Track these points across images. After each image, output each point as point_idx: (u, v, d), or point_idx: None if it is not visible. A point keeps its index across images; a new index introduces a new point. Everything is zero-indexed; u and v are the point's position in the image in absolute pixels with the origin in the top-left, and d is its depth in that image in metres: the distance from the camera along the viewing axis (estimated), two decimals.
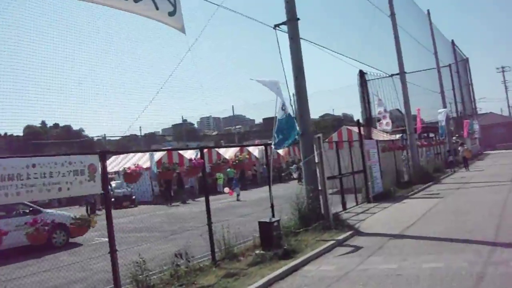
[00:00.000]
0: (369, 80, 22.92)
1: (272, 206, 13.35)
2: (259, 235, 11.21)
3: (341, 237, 12.27)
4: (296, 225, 13.71)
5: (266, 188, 13.50)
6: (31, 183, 7.02)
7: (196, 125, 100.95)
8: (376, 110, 21.99)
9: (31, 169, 7.05)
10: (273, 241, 10.76)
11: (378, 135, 23.95)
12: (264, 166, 39.71)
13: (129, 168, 9.41)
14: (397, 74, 24.92)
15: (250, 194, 29.80)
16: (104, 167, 8.27)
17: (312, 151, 14.34)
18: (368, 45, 22.06)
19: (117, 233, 17.68)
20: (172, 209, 26.57)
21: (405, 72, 25.81)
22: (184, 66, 9.88)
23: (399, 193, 21.41)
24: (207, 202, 11.03)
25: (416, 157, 26.73)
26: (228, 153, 40.50)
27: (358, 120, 19.99)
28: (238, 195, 28.65)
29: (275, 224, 11.05)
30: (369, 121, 21.44)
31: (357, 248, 11.10)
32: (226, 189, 27.53)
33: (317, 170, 14.38)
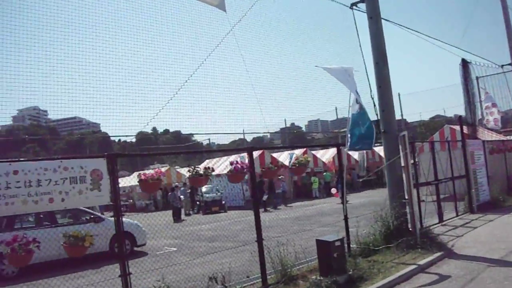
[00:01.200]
0: (480, 77, 19.75)
1: (346, 219, 11.28)
2: (317, 256, 9.20)
3: (426, 260, 9.85)
4: (376, 241, 11.52)
5: (365, 193, 11.54)
6: (12, 193, 5.74)
7: (304, 128, 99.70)
8: (483, 106, 18.84)
9: (12, 176, 5.76)
10: (333, 265, 8.70)
11: (485, 134, 20.62)
12: (364, 170, 37.04)
13: (144, 174, 7.88)
14: (509, 64, 21.30)
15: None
16: (113, 172, 6.87)
17: (396, 152, 12.00)
18: (472, 29, 18.99)
19: (191, 241, 16.74)
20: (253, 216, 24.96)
21: None
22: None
23: (509, 202, 18.04)
24: (257, 214, 9.24)
25: None
26: (326, 155, 38.35)
27: (460, 117, 17.05)
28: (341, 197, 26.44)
29: (337, 244, 8.94)
30: (474, 118, 18.34)
31: (442, 278, 8.62)
32: (333, 190, 25.84)
33: (403, 175, 12.02)
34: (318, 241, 9.19)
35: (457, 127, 19.32)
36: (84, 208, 16.59)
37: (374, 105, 12.45)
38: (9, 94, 6.56)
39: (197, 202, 31.19)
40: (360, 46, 12.87)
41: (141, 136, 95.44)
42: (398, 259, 10.18)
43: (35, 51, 6.89)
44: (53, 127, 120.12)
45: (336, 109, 62.73)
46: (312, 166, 34.86)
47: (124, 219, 16.76)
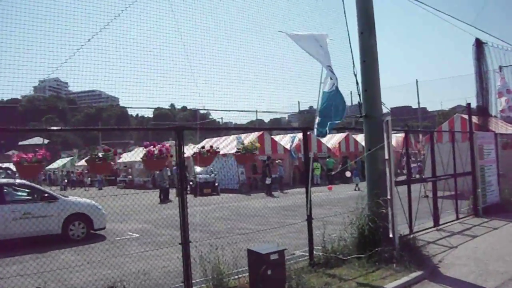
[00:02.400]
0: (504, 67, 17.00)
1: (309, 220, 9.02)
2: (248, 271, 6.95)
3: (396, 283, 7.48)
4: (347, 248, 9.27)
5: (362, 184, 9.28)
6: None
7: None
8: (496, 93, 16.07)
9: None
10: (266, 284, 6.43)
11: (500, 126, 17.93)
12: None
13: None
14: None
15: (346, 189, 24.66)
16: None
17: (380, 142, 9.60)
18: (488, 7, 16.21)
19: (159, 228, 14.83)
20: (248, 201, 22.70)
21: None
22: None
23: None
24: (183, 207, 6.96)
25: None
26: (332, 140, 35.85)
27: (468, 105, 14.43)
28: (357, 184, 25.34)
29: (273, 257, 6.66)
30: (486, 107, 15.62)
31: None
32: (348, 173, 23.38)
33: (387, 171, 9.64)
34: (250, 252, 6.95)
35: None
36: (36, 186, 14.82)
37: (357, 84, 10.01)
38: (32, 64, 6.25)
39: (190, 183, 29.10)
40: (344, 13, 10.41)
41: (159, 112, 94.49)
42: (364, 276, 7.86)
43: (58, 22, 6.56)
44: (73, 99, 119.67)
45: (351, 93, 60.23)
46: (316, 151, 32.40)
47: (82, 199, 15.10)
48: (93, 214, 14.36)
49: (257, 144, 9.22)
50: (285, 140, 33.56)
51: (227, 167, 29.50)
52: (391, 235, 9.24)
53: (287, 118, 76.03)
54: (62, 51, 6.58)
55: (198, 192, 26.30)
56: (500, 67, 17.34)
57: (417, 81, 52.52)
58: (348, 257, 8.88)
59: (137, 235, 14.36)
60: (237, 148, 9.22)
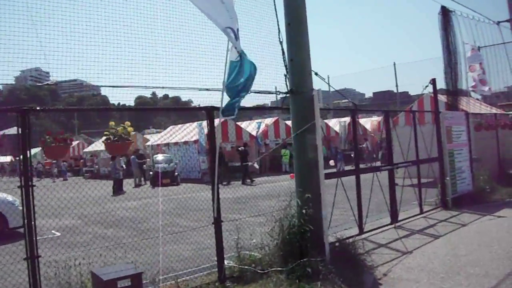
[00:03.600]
0: (483, 47, 14.73)
1: (216, 223, 6.84)
2: None
3: None
4: (268, 257, 7.10)
5: None
6: None
7: None
8: (466, 67, 13.71)
9: None
10: None
11: (472, 105, 15.76)
12: (346, 145, 32.28)
13: None
14: (507, 20, 15.89)
15: None
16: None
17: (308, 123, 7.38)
18: None
19: (88, 225, 12.73)
20: (204, 192, 20.40)
21: None
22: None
23: (499, 194, 13.30)
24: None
25: None
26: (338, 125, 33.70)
27: (434, 80, 12.17)
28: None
29: (124, 285, 4.47)
30: (455, 83, 13.31)
31: None
32: (331, 162, 22.07)
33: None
34: (93, 276, 4.77)
35: (443, 97, 14.47)
36: None
37: (283, 53, 7.73)
38: (14, 55, 5.55)
39: (150, 173, 26.75)
40: None
41: (140, 100, 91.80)
42: None
43: (40, 10, 5.77)
44: (54, 89, 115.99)
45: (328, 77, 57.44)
46: (285, 137, 30.16)
47: None
48: (8, 211, 12.23)
49: (130, 129, 6.92)
50: (252, 127, 31.28)
51: (188, 155, 27.28)
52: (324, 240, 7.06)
53: (269, 104, 73.57)
54: (45, 40, 5.83)
55: (158, 182, 24.03)
56: (479, 48, 15.17)
57: (394, 64, 49.74)
58: (268, 270, 6.70)
59: (58, 234, 12.22)
60: (105, 135, 6.95)
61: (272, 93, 8.14)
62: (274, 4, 7.78)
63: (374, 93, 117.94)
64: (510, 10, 15.14)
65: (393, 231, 9.78)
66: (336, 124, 35.81)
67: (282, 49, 7.75)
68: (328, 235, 7.23)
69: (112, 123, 7.02)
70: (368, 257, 7.41)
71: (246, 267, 6.83)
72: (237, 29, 6.33)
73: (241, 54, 6.29)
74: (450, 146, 12.26)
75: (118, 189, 22.99)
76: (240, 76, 6.31)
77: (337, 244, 7.52)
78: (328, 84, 8.29)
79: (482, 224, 10.04)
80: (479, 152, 14.35)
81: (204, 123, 26.55)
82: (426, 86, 11.96)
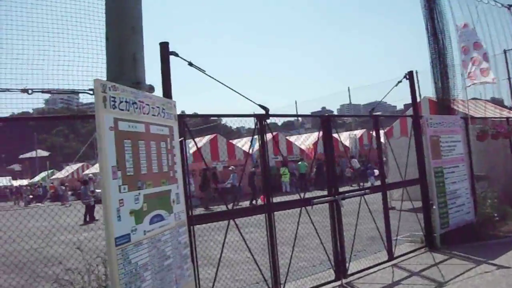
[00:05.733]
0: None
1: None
2: None
3: None
4: None
5: None
6: None
7: (335, 112, 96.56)
8: (459, 48, 9.70)
9: None
10: None
11: (476, 108, 12.13)
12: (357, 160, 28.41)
13: None
14: None
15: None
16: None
17: None
18: None
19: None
20: None
21: None
22: None
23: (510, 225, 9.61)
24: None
25: None
26: (308, 142, 30.10)
27: (411, 73, 8.67)
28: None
29: None
30: (445, 78, 9.56)
31: None
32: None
33: None
34: None
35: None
36: None
37: None
38: (45, 79, 4.70)
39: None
40: None
41: None
42: None
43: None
44: (84, 110, 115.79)
45: (348, 89, 53.64)
46: (285, 154, 26.71)
47: None
48: None
49: None
50: (243, 143, 27.95)
51: None
52: None
53: (300, 120, 70.20)
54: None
55: None
56: (505, 51, 11.55)
57: (416, 72, 45.45)
58: None
59: None
60: None
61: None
62: None
63: (404, 105, 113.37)
64: None
65: None
66: (346, 138, 32.00)
67: None
68: None
69: None
70: None
71: None
72: None
73: None
74: (437, 162, 8.76)
75: (90, 218, 20.16)
76: None
77: None
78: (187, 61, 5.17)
79: (468, 283, 6.45)
80: (485, 167, 10.77)
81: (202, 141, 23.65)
82: (399, 82, 8.55)
